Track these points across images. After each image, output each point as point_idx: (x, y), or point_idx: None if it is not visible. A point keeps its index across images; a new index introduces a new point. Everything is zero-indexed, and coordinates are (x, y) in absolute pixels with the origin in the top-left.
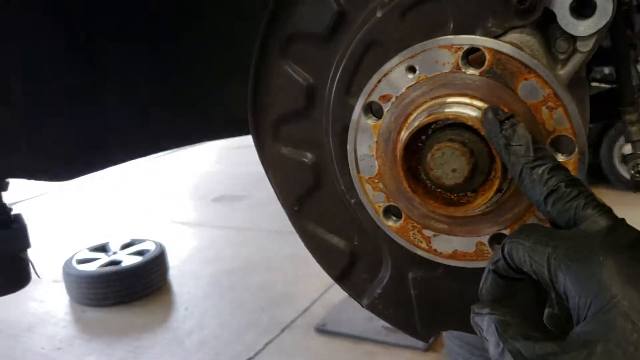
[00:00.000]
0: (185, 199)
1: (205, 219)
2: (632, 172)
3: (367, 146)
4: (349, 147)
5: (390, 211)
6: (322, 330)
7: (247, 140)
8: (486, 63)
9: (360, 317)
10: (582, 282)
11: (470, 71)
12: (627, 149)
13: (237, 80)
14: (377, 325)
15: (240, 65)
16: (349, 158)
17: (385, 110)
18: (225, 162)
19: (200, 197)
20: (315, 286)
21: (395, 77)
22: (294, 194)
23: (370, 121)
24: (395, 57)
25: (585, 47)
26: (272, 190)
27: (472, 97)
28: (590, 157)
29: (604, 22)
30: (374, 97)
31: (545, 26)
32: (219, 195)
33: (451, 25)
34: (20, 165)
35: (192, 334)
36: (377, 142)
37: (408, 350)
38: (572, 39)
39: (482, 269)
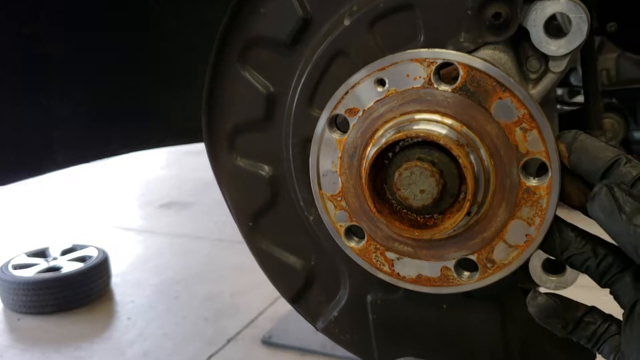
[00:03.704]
0: (132, 205)
1: (152, 226)
2: None
3: (330, 162)
4: (311, 161)
5: (352, 231)
6: (268, 342)
7: (196, 145)
8: (459, 79)
9: (307, 330)
10: None
11: (443, 87)
12: None
13: (193, 87)
14: (323, 337)
15: (197, 71)
16: (310, 173)
17: (351, 124)
18: (174, 167)
19: (148, 202)
20: (262, 297)
21: (363, 90)
22: (248, 209)
23: (335, 135)
24: (364, 68)
25: (557, 67)
26: (220, 196)
27: (444, 114)
28: None
29: (578, 42)
30: (340, 110)
31: (517, 44)
32: (167, 202)
33: (422, 39)
34: None
35: (133, 344)
36: (341, 157)
37: None
38: (545, 58)
39: (445, 295)
